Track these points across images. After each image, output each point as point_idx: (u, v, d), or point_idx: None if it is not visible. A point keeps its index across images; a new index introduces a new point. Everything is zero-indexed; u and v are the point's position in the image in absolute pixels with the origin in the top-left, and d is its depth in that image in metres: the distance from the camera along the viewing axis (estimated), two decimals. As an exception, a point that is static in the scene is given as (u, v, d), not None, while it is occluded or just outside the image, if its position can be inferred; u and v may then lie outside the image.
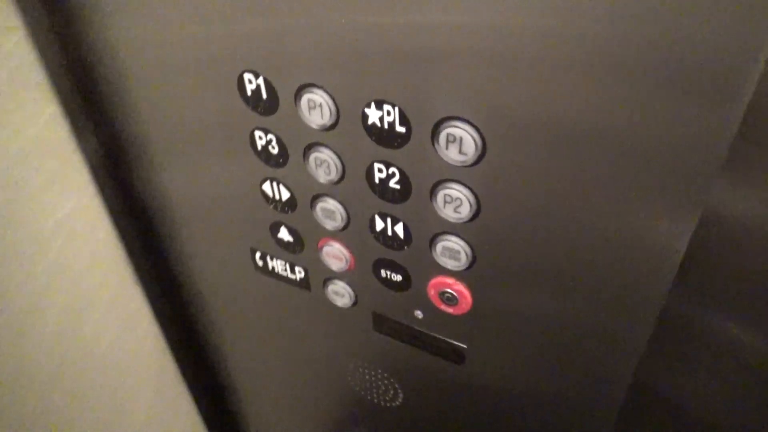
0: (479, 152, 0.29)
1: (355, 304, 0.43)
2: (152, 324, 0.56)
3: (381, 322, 0.43)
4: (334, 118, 0.33)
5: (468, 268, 0.35)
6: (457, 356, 0.41)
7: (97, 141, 0.45)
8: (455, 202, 0.32)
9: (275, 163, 0.37)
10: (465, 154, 0.30)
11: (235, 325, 0.55)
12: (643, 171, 0.27)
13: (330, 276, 0.43)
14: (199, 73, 0.36)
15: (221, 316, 0.55)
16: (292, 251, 0.43)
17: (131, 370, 0.56)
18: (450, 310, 0.38)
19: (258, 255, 0.46)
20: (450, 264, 0.36)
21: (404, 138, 0.31)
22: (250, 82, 0.34)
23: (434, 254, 0.36)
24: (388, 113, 0.31)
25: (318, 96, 0.32)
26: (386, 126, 0.31)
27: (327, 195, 0.37)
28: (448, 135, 0.30)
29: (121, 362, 0.55)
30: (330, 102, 0.32)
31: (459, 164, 0.30)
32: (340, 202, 0.37)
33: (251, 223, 0.43)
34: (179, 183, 0.45)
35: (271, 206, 0.41)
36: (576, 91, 0.26)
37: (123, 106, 0.41)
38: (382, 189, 0.34)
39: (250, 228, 0.44)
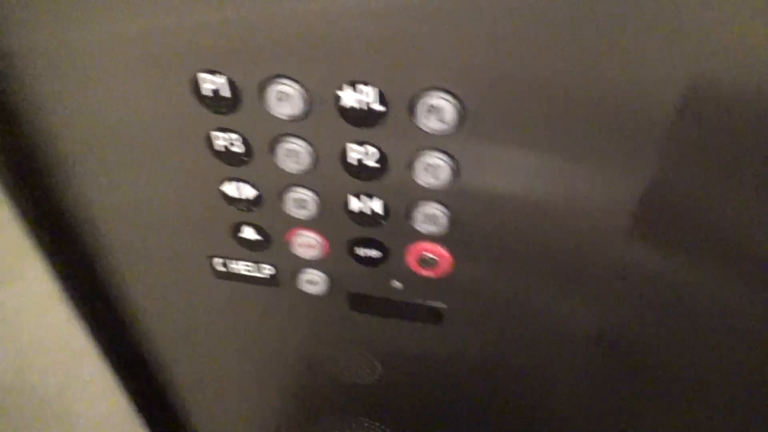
0: (459, 119, 0.31)
1: (330, 288, 0.44)
2: (100, 359, 0.52)
3: (358, 301, 0.44)
4: (305, 106, 0.33)
5: (447, 231, 0.37)
6: (436, 317, 0.44)
7: (12, 163, 0.40)
8: (434, 169, 0.34)
9: (237, 161, 0.37)
10: (445, 123, 0.31)
11: (194, 342, 0.53)
12: (608, 130, 0.31)
13: (302, 266, 0.43)
14: (144, 80, 0.34)
15: (177, 334, 0.53)
16: (258, 249, 0.42)
17: (83, 412, 0.52)
18: (430, 274, 0.40)
19: (218, 261, 0.44)
20: (429, 229, 0.37)
21: (381, 115, 0.32)
22: (207, 82, 0.33)
23: (413, 222, 0.37)
24: (365, 93, 0.32)
25: (287, 86, 0.32)
26: (362, 106, 0.32)
27: (297, 185, 0.37)
28: (426, 106, 0.31)
29: (72, 406, 0.51)
30: (301, 91, 0.32)
31: (439, 133, 0.32)
32: (313, 189, 0.37)
33: (209, 228, 0.42)
34: (118, 203, 0.42)
35: (233, 207, 0.40)
36: (544, 51, 0.28)
37: (42, 124, 0.38)
38: (358, 169, 0.35)
39: (208, 234, 0.42)
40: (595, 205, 0.34)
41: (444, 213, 0.36)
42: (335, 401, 0.56)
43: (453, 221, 0.37)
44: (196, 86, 0.33)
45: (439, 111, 0.31)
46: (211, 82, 0.33)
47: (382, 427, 0.58)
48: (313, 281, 0.43)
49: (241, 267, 0.44)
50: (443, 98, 0.31)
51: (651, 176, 0.32)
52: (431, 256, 0.39)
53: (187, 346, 0.54)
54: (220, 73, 0.32)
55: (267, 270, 0.44)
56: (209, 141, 0.36)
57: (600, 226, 0.35)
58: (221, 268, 0.45)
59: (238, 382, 0.58)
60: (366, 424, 0.58)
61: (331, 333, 0.48)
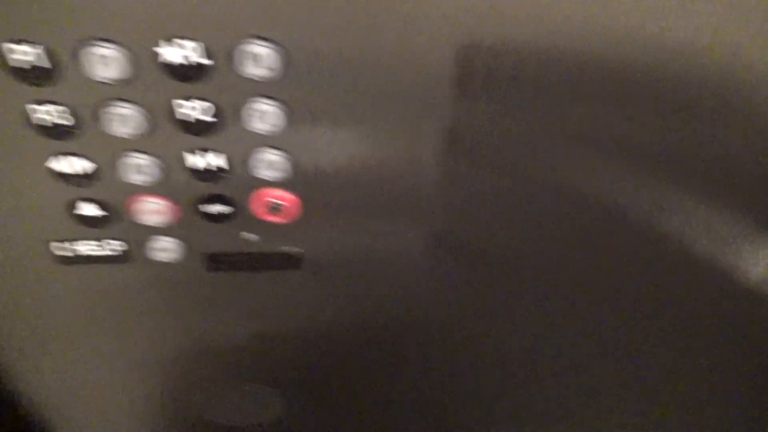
0: (284, 66, 0.34)
1: (184, 253, 0.44)
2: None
3: (213, 261, 0.45)
4: (127, 67, 0.33)
5: (292, 175, 0.40)
6: (295, 262, 0.46)
7: None
8: (267, 116, 0.36)
9: (65, 135, 0.36)
10: (271, 69, 0.34)
11: (44, 341, 0.50)
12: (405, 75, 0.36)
13: (150, 234, 0.43)
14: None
15: (24, 336, 0.50)
16: (100, 225, 0.42)
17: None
18: (281, 219, 0.43)
19: (58, 245, 0.43)
20: (273, 175, 0.40)
21: (206, 68, 0.34)
22: (17, 52, 0.32)
23: (256, 171, 0.39)
24: (184, 47, 0.33)
25: (105, 49, 0.32)
26: (184, 61, 0.33)
27: (133, 150, 0.37)
28: (249, 54, 0.33)
29: None
30: (120, 52, 0.32)
31: (267, 80, 0.34)
32: (149, 153, 0.38)
33: (42, 212, 0.40)
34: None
35: (66, 184, 0.39)
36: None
37: None
38: (192, 125, 0.36)
39: (43, 218, 0.41)
40: (412, 139, 0.39)
41: (284, 157, 0.39)
42: (215, 372, 0.57)
43: (295, 165, 0.39)
44: (3, 59, 0.32)
45: (262, 58, 0.33)
46: (23, 53, 0.32)
47: (269, 389, 0.60)
48: (166, 248, 0.44)
49: (84, 247, 0.43)
50: (264, 45, 0.33)
51: (448, 116, 0.38)
52: (277, 201, 0.41)
53: (37, 347, 0.51)
54: (32, 42, 0.31)
55: (114, 246, 0.43)
56: (29, 117, 0.35)
57: (420, 156, 0.40)
58: (62, 253, 0.43)
59: (104, 375, 0.56)
60: (252, 389, 0.59)
61: (194, 300, 0.49)
